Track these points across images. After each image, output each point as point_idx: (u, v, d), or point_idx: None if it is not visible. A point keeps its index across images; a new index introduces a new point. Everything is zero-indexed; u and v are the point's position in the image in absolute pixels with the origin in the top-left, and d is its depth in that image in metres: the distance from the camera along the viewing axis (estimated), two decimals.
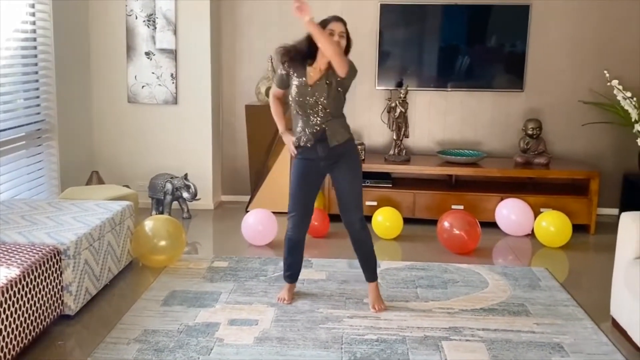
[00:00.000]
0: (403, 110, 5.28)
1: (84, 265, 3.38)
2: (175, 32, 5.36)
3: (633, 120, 5.02)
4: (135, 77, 5.43)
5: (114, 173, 5.52)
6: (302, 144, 3.33)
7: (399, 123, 5.33)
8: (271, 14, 5.58)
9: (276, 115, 3.48)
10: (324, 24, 3.22)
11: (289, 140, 3.41)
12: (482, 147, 5.60)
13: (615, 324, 3.29)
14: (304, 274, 3.97)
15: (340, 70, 3.17)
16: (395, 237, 4.81)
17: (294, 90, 3.29)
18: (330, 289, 3.78)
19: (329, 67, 3.24)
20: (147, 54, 5.39)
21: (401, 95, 5.29)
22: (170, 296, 3.62)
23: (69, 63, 5.07)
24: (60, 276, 3.21)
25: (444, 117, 5.62)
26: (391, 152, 5.39)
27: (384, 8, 5.42)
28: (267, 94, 5.39)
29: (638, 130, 4.98)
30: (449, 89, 5.56)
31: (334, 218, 5.02)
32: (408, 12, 5.46)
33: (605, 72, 5.19)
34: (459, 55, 5.52)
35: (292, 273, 3.58)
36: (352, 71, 3.25)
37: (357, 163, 3.42)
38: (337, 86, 3.27)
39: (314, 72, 3.27)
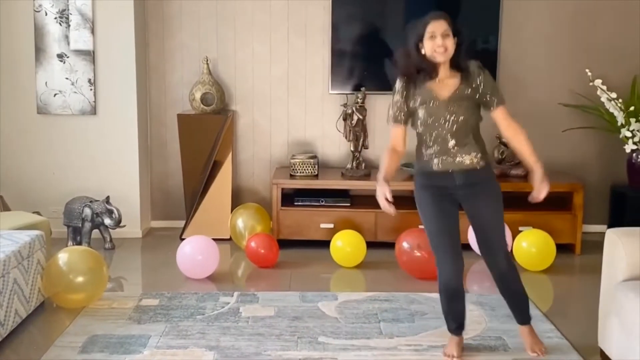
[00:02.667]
0: (361, 117, 5.35)
1: None
2: (92, 31, 5.32)
3: (619, 124, 5.18)
4: (46, 83, 5.36)
5: (22, 197, 5.42)
6: (434, 168, 3.23)
7: (357, 132, 5.38)
8: (207, 8, 5.60)
9: (387, 165, 3.31)
10: (421, 27, 3.15)
11: (384, 191, 3.26)
12: None
13: (605, 357, 3.36)
14: (248, 310, 3.98)
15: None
16: (357, 264, 4.84)
17: (421, 113, 3.21)
18: (279, 327, 3.77)
19: (461, 78, 3.19)
20: (60, 56, 5.34)
21: (358, 100, 5.35)
22: (90, 342, 3.56)
23: None
24: None
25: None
26: (349, 165, 5.44)
27: (336, 1, 5.48)
28: (202, 101, 5.39)
29: (625, 136, 5.15)
30: None
31: (283, 244, 5.04)
32: (365, 4, 5.55)
33: (587, 70, 5.34)
34: None
35: (459, 324, 3.42)
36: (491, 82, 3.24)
37: (499, 192, 3.34)
38: (473, 99, 3.20)
39: (441, 87, 3.19)
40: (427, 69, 3.20)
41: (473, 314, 3.96)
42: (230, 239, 5.36)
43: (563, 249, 5.07)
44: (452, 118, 3.18)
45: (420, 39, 3.15)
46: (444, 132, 3.20)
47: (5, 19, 5.33)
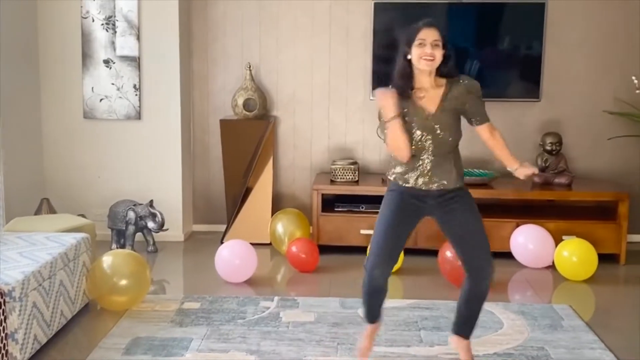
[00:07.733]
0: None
1: (32, 309, 3.37)
2: (138, 37, 5.40)
3: None
4: (92, 88, 5.46)
5: (68, 200, 5.51)
6: (407, 184, 3.13)
7: None
8: (250, 16, 5.64)
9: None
10: (411, 32, 3.06)
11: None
12: (494, 166, 5.63)
13: None
14: (288, 315, 4.00)
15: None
16: (395, 270, 4.82)
17: (412, 125, 3.08)
18: (319, 332, 3.78)
19: (446, 88, 3.08)
20: (106, 62, 5.43)
21: None
22: (133, 344, 3.61)
23: (14, 72, 5.10)
24: (4, 322, 3.19)
25: None
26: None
27: (378, 7, 5.48)
28: (244, 107, 5.44)
29: None
30: None
31: (323, 250, 5.06)
32: (406, 11, 5.53)
33: (634, 77, 5.25)
34: (466, 59, 5.57)
35: (373, 314, 3.34)
36: (475, 88, 3.13)
37: (473, 202, 3.17)
38: (455, 111, 3.09)
39: (424, 99, 3.08)
40: (409, 76, 3.10)
41: (515, 323, 3.92)
42: (270, 244, 5.38)
43: (607, 258, 4.99)
44: (437, 133, 3.07)
45: (410, 44, 3.06)
46: (425, 147, 3.09)
47: (53, 25, 5.42)
